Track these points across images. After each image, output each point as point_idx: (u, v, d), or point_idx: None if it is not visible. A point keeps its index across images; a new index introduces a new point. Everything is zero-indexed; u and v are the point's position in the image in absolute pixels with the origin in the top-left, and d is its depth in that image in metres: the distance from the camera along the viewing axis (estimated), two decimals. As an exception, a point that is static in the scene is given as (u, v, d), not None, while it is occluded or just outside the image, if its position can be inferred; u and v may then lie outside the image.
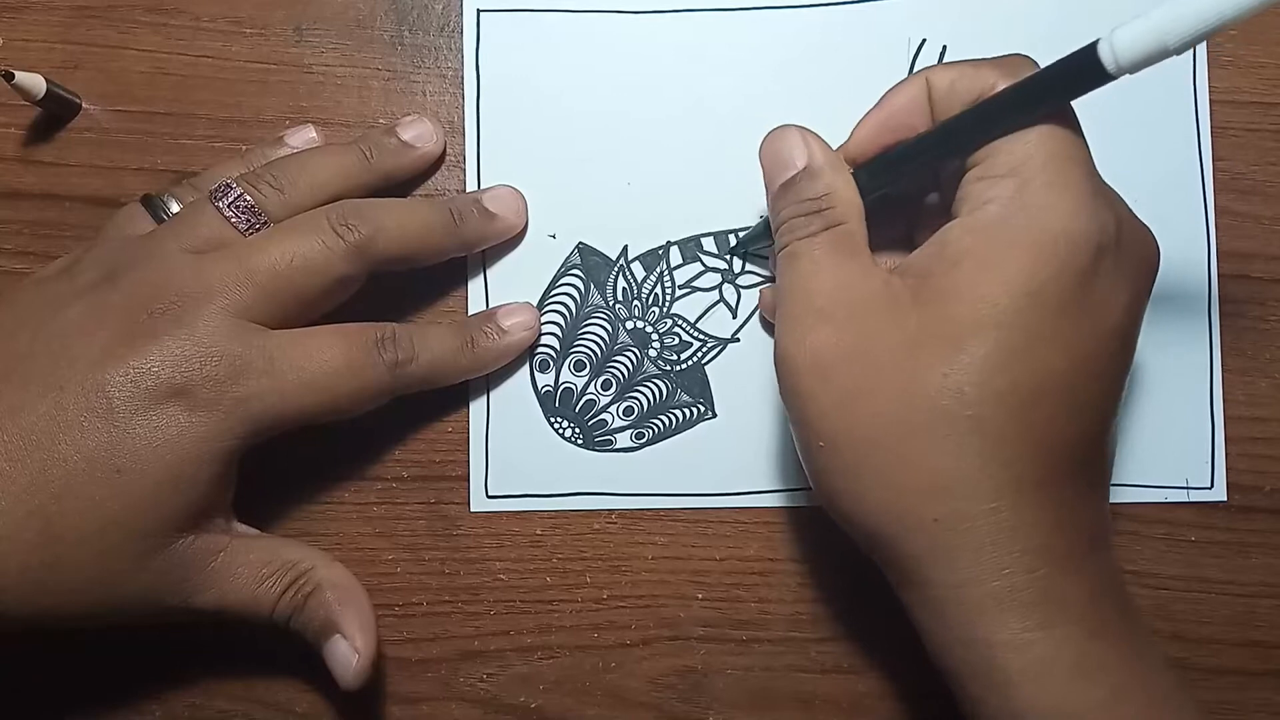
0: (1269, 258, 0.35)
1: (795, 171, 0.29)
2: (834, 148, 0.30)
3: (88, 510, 0.27)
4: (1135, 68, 0.23)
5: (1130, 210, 0.27)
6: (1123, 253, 0.26)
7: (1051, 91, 0.25)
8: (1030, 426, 0.25)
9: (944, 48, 0.35)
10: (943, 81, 0.28)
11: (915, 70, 0.35)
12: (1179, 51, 0.23)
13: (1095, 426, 0.27)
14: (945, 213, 0.28)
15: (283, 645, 0.31)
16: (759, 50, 0.35)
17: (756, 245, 0.35)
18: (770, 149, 0.30)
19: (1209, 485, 0.35)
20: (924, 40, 0.35)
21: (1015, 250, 0.25)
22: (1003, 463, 0.25)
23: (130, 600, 0.28)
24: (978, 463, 0.25)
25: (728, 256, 0.35)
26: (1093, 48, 0.24)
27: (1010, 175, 0.26)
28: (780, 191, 0.29)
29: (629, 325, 0.35)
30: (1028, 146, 0.26)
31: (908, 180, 0.30)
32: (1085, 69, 0.24)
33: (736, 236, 0.35)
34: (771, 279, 0.35)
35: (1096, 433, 0.27)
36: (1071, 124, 0.26)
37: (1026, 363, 0.25)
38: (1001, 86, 0.26)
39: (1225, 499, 0.35)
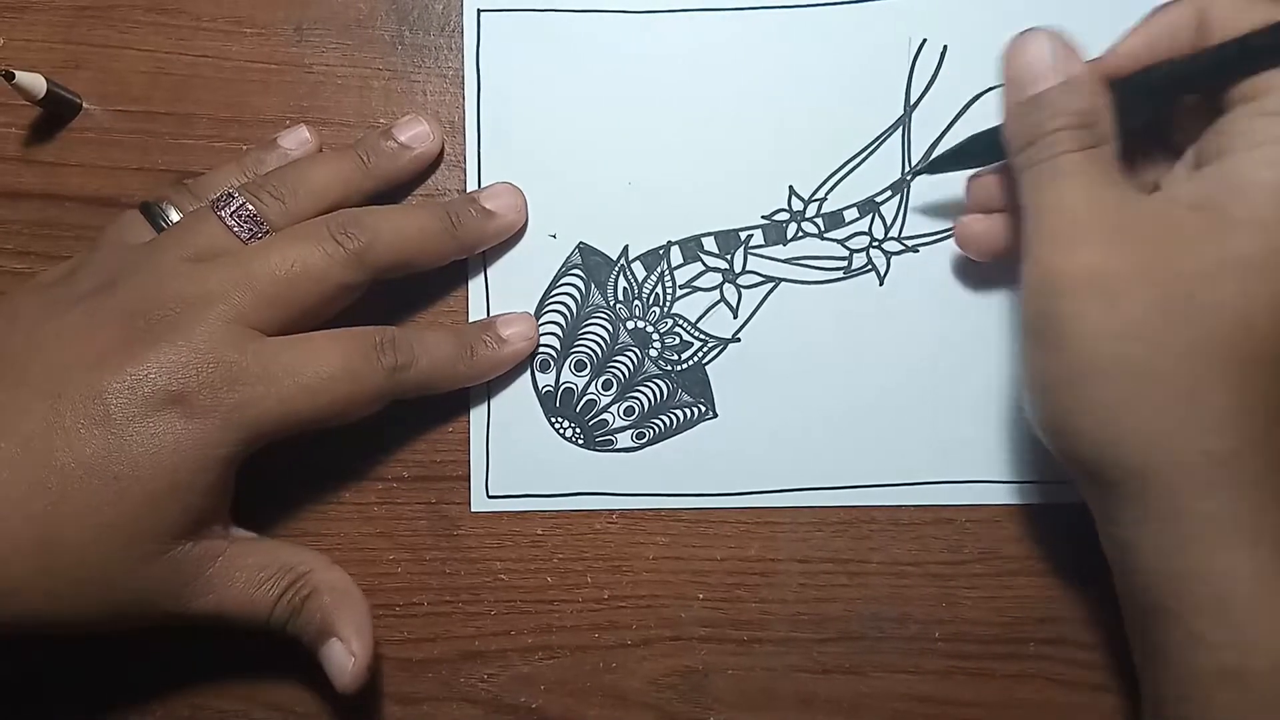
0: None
1: (1050, 83, 0.27)
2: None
3: (85, 517, 0.27)
4: None
5: None
6: None
7: None
8: None
9: (944, 48, 0.35)
10: (1221, 6, 0.27)
11: (914, 70, 0.35)
12: None
13: None
14: (1171, 152, 0.28)
15: (284, 646, 0.31)
16: (759, 50, 0.35)
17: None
18: (1020, 56, 0.28)
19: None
20: (924, 40, 0.35)
21: None
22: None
23: (127, 606, 0.28)
24: (1260, 398, 0.25)
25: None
26: None
27: None
28: (1033, 102, 0.28)
29: (630, 325, 0.35)
30: None
31: (1154, 106, 0.29)
32: None
33: (738, 236, 0.35)
34: (776, 275, 0.35)
35: None
36: None
37: None
38: None
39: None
